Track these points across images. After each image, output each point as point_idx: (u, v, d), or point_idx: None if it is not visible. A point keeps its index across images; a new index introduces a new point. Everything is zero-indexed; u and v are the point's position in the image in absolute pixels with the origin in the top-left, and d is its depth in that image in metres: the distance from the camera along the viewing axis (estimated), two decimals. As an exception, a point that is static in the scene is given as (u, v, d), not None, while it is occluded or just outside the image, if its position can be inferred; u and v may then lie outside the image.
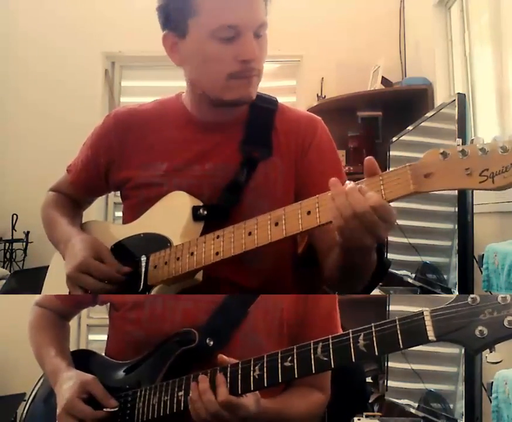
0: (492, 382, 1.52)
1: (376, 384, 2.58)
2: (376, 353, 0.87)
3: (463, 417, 1.65)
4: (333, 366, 0.91)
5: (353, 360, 0.88)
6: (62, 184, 1.38)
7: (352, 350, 0.88)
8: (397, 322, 0.86)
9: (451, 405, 1.77)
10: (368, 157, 0.89)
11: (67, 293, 1.17)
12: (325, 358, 0.90)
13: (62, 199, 1.36)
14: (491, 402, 1.52)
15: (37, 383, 1.26)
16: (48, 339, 1.25)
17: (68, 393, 1.07)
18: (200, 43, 1.11)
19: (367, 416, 2.23)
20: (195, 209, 1.13)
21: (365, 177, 0.89)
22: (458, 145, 0.83)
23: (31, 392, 1.26)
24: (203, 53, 1.11)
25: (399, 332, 0.86)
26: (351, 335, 0.89)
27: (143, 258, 1.13)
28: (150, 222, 1.18)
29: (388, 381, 2.24)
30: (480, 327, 0.81)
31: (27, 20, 3.55)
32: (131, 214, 1.24)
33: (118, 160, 1.24)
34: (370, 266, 1.02)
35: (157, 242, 1.13)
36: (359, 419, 2.17)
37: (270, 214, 0.98)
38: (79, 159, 1.33)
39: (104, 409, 1.06)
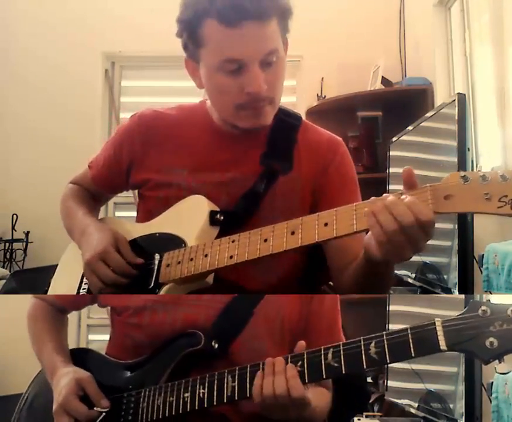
0: (492, 382, 1.52)
1: (376, 384, 2.58)
2: (388, 361, 0.89)
3: (463, 417, 1.65)
4: (343, 372, 0.91)
5: (364, 366, 0.90)
6: (82, 179, 1.39)
7: (363, 357, 0.89)
8: (409, 331, 0.88)
9: (451, 405, 1.77)
10: (406, 168, 0.88)
11: (76, 288, 1.18)
12: (336, 364, 0.91)
13: (82, 191, 1.37)
14: (491, 402, 1.52)
15: (30, 385, 1.26)
16: (46, 333, 1.26)
17: (65, 390, 1.07)
18: (209, 73, 1.12)
19: (367, 416, 2.23)
20: (212, 214, 1.13)
21: (404, 189, 0.89)
22: (479, 171, 0.86)
23: (25, 392, 1.26)
24: (212, 83, 1.13)
25: (411, 340, 0.87)
26: (362, 342, 0.90)
27: (157, 256, 1.14)
28: (167, 223, 1.19)
29: (388, 381, 2.24)
30: (490, 339, 0.83)
31: (26, 20, 3.55)
32: (146, 214, 1.24)
33: (140, 161, 1.25)
34: (391, 277, 1.03)
35: (172, 242, 1.14)
36: (359, 419, 2.18)
37: (287, 223, 0.98)
38: (102, 156, 1.33)
39: (95, 408, 1.06)
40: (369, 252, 0.90)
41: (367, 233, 0.91)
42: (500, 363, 0.79)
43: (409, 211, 0.83)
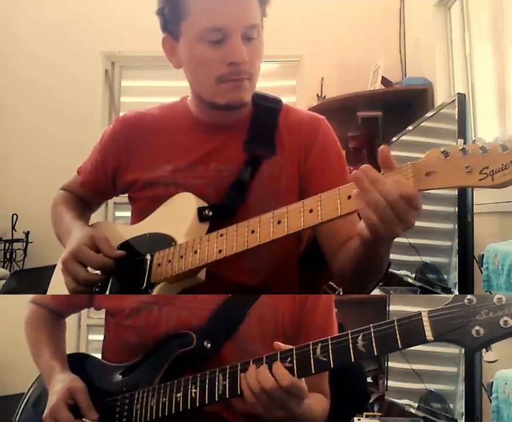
0: (492, 382, 1.52)
1: (376, 384, 2.58)
2: (376, 353, 0.89)
3: (463, 417, 1.65)
4: (332, 366, 0.91)
5: (352, 360, 0.90)
6: (72, 185, 1.40)
7: (351, 350, 0.89)
8: (395, 323, 0.88)
9: (451, 405, 1.77)
10: (382, 147, 0.87)
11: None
12: (324, 359, 0.91)
13: (71, 197, 1.38)
14: (491, 402, 1.52)
15: (31, 385, 1.26)
16: (44, 339, 1.26)
17: (56, 396, 1.08)
18: (191, 46, 1.12)
19: (367, 416, 2.23)
20: (200, 210, 1.14)
21: (383, 171, 0.87)
22: (459, 144, 0.83)
23: (25, 394, 1.26)
24: (193, 56, 1.13)
25: (397, 332, 0.87)
26: (349, 336, 0.90)
27: (148, 257, 1.14)
28: (156, 222, 1.19)
29: (388, 381, 2.24)
30: (476, 327, 0.83)
31: (26, 20, 3.55)
32: (138, 216, 1.25)
33: (125, 163, 1.26)
34: (386, 259, 1.02)
35: (162, 241, 1.14)
36: (359, 419, 2.18)
37: (274, 213, 0.99)
38: (89, 161, 1.35)
39: (83, 419, 1.06)
40: (362, 236, 0.90)
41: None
42: (487, 351, 0.79)
43: (393, 186, 0.83)
